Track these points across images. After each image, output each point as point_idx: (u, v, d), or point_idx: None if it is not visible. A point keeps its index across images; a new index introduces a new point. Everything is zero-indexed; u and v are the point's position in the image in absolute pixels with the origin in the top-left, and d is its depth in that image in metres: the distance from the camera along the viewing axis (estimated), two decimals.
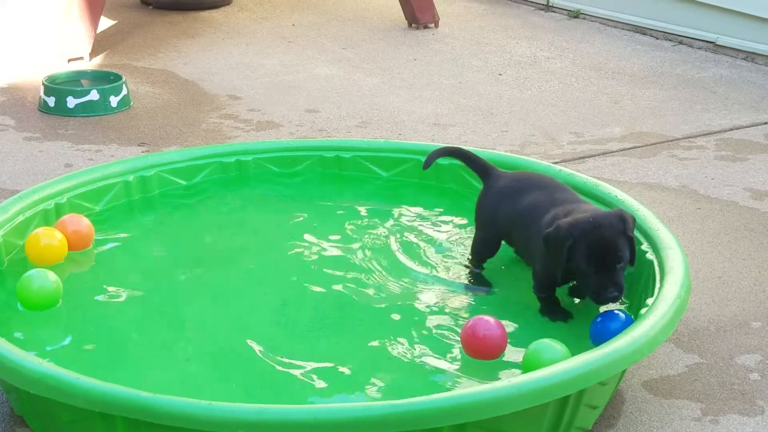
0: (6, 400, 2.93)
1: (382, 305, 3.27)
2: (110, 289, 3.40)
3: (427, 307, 3.28)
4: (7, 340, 2.79)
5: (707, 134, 5.15)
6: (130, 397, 2.49)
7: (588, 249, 2.89)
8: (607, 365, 2.65)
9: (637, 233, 3.38)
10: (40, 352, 2.93)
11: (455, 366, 2.96)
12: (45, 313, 3.21)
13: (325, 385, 2.87)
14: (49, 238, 3.48)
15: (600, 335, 2.91)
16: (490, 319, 2.99)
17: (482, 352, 2.94)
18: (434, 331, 3.14)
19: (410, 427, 2.45)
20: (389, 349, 3.04)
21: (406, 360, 2.99)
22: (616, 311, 2.99)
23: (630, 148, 4.95)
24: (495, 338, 2.94)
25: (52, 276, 3.26)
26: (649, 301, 2.96)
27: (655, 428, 2.86)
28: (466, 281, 3.43)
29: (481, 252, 3.47)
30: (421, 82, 5.99)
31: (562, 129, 5.21)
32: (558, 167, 3.91)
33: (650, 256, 3.23)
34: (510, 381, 2.55)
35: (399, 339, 3.08)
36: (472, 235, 3.54)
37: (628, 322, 2.89)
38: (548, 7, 7.62)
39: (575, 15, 7.42)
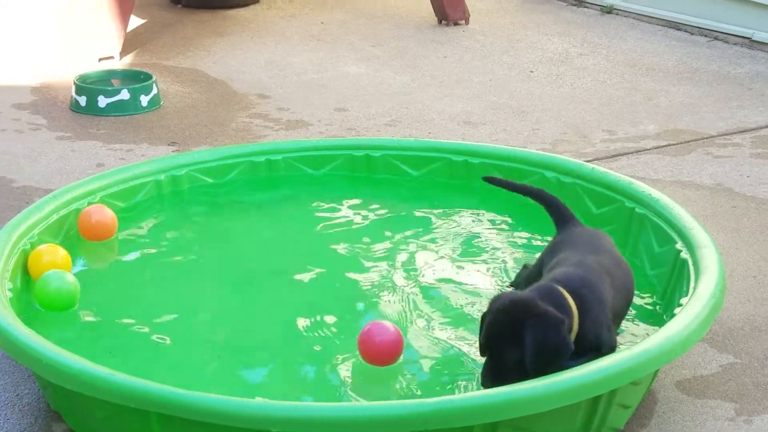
0: (43, 395, 2.95)
1: (409, 307, 3.26)
2: (136, 287, 3.41)
3: (452, 309, 3.25)
4: None
5: (743, 131, 5.08)
6: (166, 393, 2.49)
7: (485, 329, 2.68)
8: (639, 365, 2.62)
9: (671, 232, 3.34)
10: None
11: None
12: (66, 312, 3.18)
13: (352, 384, 2.88)
14: (52, 255, 3.33)
15: None
16: (387, 324, 2.93)
17: (378, 358, 2.88)
18: (453, 336, 3.10)
19: (442, 425, 2.44)
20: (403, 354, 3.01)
21: (418, 365, 2.96)
22: None
23: (664, 146, 4.90)
24: (388, 343, 2.87)
25: (69, 277, 3.22)
26: (684, 300, 2.93)
27: (688, 428, 2.82)
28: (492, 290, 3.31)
29: (522, 278, 3.25)
30: (451, 79, 5.96)
31: (595, 127, 5.17)
32: (591, 166, 3.88)
33: (685, 255, 3.19)
34: (543, 380, 2.53)
35: (412, 342, 3.06)
36: (501, 235, 3.47)
37: None
38: (580, 3, 7.57)
39: (608, 10, 7.36)
